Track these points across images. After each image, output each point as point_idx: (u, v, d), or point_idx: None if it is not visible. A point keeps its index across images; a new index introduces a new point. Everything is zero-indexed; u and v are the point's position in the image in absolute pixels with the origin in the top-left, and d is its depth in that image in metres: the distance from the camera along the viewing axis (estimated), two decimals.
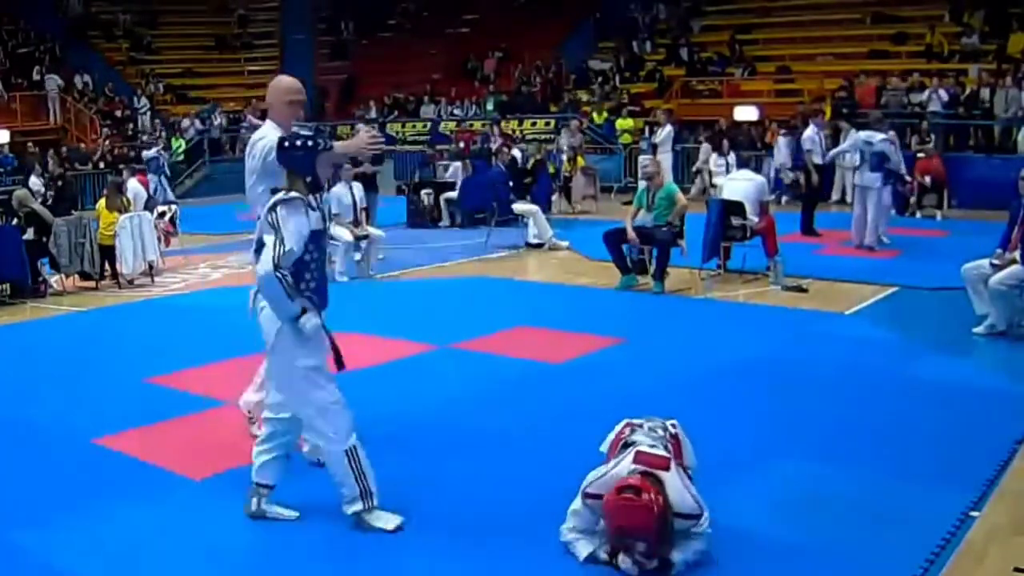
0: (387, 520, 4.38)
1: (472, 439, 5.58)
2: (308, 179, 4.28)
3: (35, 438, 5.83)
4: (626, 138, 20.94)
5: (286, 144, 4.35)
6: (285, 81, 5.18)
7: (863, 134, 11.99)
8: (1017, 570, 3.94)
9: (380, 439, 5.47)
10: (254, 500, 4.52)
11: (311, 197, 4.29)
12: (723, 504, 4.42)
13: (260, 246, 4.22)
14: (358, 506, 4.35)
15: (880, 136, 11.78)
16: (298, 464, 5.19)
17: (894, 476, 4.88)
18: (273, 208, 4.17)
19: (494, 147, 17.16)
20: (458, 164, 16.16)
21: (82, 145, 23.03)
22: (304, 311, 4.22)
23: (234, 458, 5.31)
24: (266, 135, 4.96)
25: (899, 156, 12.13)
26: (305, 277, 4.23)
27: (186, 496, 4.84)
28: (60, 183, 17.48)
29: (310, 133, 4.78)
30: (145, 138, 21.84)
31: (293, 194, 4.23)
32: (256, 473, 4.50)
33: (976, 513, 4.46)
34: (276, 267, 4.10)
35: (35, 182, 17.15)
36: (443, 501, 4.71)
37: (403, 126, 24.49)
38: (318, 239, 4.30)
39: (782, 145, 17.35)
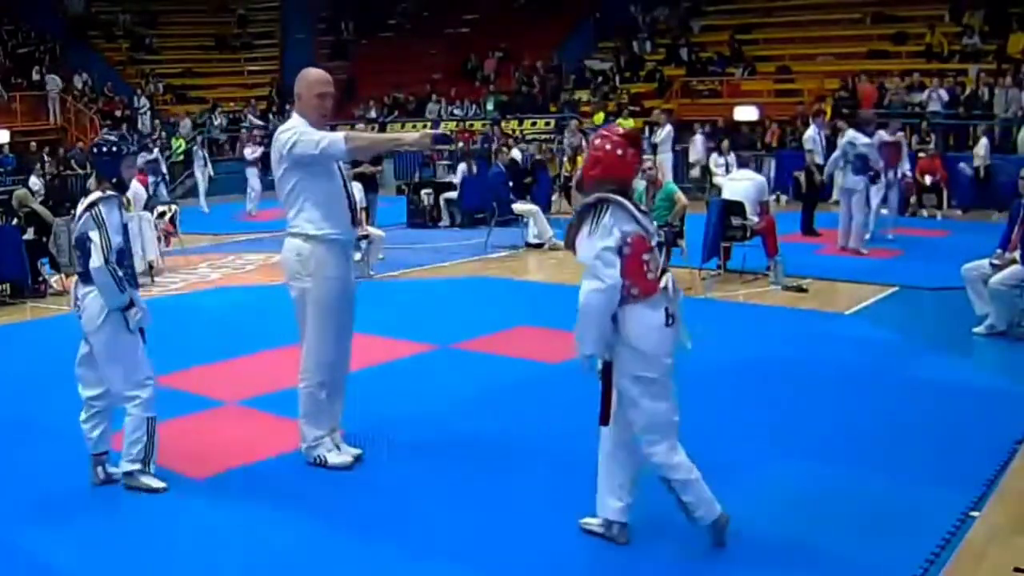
0: (154, 481, 4.87)
1: (472, 439, 5.58)
2: (114, 180, 4.83)
3: (35, 438, 5.83)
4: None
5: (95, 150, 4.94)
6: (313, 73, 5.20)
7: (848, 135, 11.99)
8: (1017, 570, 3.94)
9: (380, 439, 5.49)
10: (99, 469, 4.99)
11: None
12: (722, 503, 4.42)
13: (82, 242, 4.73)
14: (137, 466, 4.85)
15: (864, 139, 11.76)
16: (297, 465, 5.20)
17: (894, 476, 4.88)
18: (95, 205, 4.71)
19: (494, 147, 17.15)
20: (463, 165, 16.15)
21: (80, 144, 22.97)
22: (132, 304, 4.78)
23: (234, 458, 5.32)
24: (289, 128, 5.01)
25: (877, 156, 12.05)
26: (124, 263, 4.80)
27: (186, 496, 4.84)
28: (56, 183, 17.50)
29: (116, 139, 5.07)
30: (146, 141, 21.92)
31: (111, 192, 4.79)
32: (94, 447, 4.99)
33: (976, 513, 4.46)
34: (106, 260, 4.65)
35: (35, 182, 17.17)
36: (443, 501, 4.71)
37: (403, 126, 24.49)
38: (126, 231, 4.89)
39: (698, 143, 17.88)
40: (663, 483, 4.07)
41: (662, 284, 4.01)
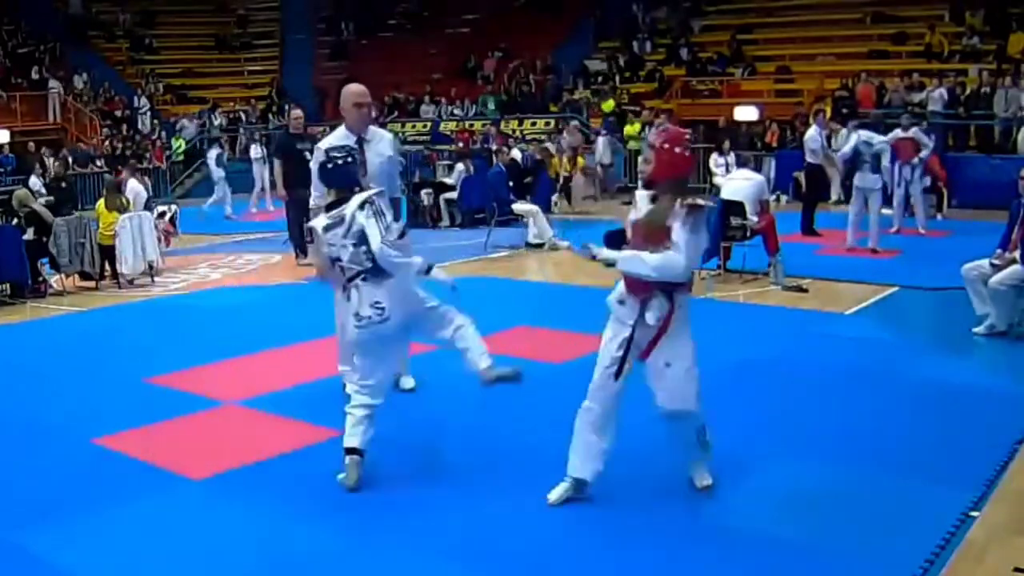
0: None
1: (472, 439, 5.59)
2: (356, 189, 5.02)
3: (35, 438, 5.82)
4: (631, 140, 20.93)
5: (326, 167, 5.08)
6: (352, 87, 5.90)
7: (863, 134, 11.97)
8: (1017, 570, 3.94)
9: (379, 439, 5.48)
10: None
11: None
12: (723, 504, 4.42)
13: (361, 234, 4.92)
14: (490, 360, 5.32)
15: (879, 138, 11.78)
16: (296, 465, 5.20)
17: (894, 476, 4.88)
18: (370, 201, 4.97)
19: (494, 147, 17.15)
20: (460, 166, 16.15)
21: (80, 144, 22.99)
22: (430, 268, 5.37)
23: (234, 458, 5.32)
24: (320, 147, 5.55)
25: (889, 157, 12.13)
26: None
27: (186, 496, 4.84)
28: (63, 184, 17.45)
29: (344, 153, 5.11)
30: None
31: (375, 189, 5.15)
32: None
33: (976, 513, 4.46)
34: (383, 241, 4.96)
35: (35, 182, 17.15)
36: (442, 501, 4.71)
37: (403, 126, 24.49)
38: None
39: (600, 144, 18.03)
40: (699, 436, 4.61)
41: None
